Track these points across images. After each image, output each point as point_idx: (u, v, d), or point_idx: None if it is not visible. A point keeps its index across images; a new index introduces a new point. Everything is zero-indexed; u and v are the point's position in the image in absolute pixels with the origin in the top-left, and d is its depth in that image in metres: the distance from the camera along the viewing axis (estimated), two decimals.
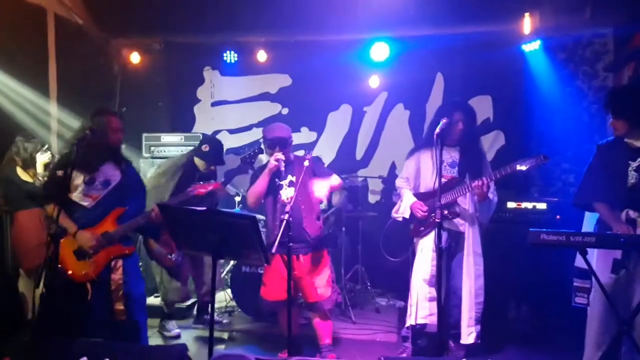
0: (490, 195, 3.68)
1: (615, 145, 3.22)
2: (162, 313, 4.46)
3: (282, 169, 3.45)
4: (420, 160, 3.91)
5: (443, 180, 3.67)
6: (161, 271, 4.35)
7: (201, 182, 3.56)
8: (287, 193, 3.57)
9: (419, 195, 3.86)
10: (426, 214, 3.73)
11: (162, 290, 4.41)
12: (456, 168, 3.74)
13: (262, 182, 3.55)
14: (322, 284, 3.63)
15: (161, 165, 4.52)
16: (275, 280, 3.53)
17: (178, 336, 4.35)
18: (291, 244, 3.09)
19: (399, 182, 4.02)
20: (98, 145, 3.16)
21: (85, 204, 3.18)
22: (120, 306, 3.14)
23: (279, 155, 3.44)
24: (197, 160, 4.38)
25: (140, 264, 5.12)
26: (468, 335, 3.66)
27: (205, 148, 4.35)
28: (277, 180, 3.57)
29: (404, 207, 3.87)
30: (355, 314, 4.81)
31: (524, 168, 3.33)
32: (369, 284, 5.36)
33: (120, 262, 3.19)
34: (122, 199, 3.25)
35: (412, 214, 3.82)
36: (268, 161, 3.60)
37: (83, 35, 5.48)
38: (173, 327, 4.42)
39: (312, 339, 3.87)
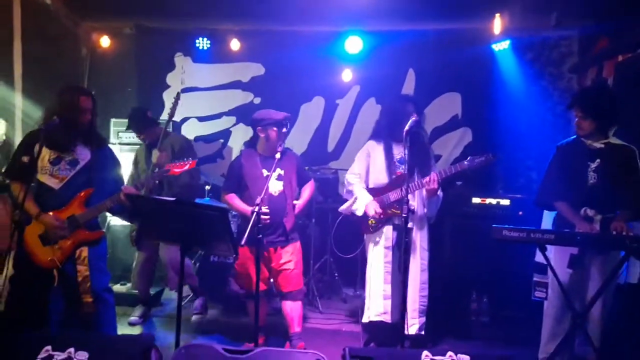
0: (438, 191, 3.68)
1: (574, 146, 3.34)
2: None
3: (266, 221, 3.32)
4: (371, 155, 3.89)
5: (393, 176, 3.74)
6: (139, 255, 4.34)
7: (176, 162, 3.39)
8: (275, 186, 3.58)
9: (369, 190, 3.82)
10: (381, 216, 3.70)
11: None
12: (405, 164, 3.72)
13: (240, 210, 3.61)
14: (297, 273, 3.68)
15: None
16: (249, 270, 3.55)
17: (135, 324, 4.32)
18: (267, 236, 3.11)
19: (351, 178, 3.91)
20: (66, 126, 3.02)
21: (52, 185, 3.05)
22: (88, 298, 3.05)
23: (265, 214, 3.28)
24: None
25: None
26: (411, 326, 3.68)
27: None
28: (265, 170, 3.56)
29: (359, 205, 3.77)
30: (322, 304, 4.88)
31: (472, 166, 3.41)
32: (336, 274, 5.42)
33: (85, 253, 3.08)
34: (91, 180, 3.11)
35: (365, 213, 3.74)
36: (241, 156, 3.65)
37: (51, 16, 5.31)
38: (139, 313, 4.40)
39: (280, 327, 3.92)
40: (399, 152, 3.77)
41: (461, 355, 2.27)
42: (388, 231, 3.75)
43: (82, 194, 3.08)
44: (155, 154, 4.11)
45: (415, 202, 3.72)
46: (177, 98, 4.30)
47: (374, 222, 3.78)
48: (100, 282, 3.16)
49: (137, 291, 4.52)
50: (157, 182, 3.61)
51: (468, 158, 3.45)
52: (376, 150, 3.86)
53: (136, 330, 4.25)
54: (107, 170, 3.24)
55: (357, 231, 4.03)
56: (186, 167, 3.36)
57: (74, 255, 3.07)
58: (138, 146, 4.88)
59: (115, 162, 3.36)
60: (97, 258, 3.16)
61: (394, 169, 3.75)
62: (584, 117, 3.21)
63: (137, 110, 4.44)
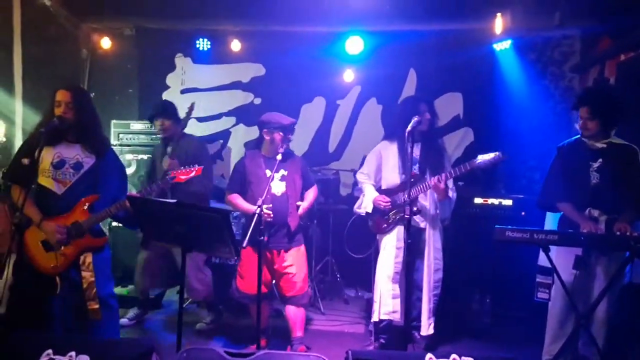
0: (450, 193, 3.68)
1: (576, 147, 3.33)
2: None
3: (268, 220, 3.37)
4: (382, 155, 3.90)
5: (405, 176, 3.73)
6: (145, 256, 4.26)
7: (182, 168, 3.30)
8: (278, 187, 3.57)
9: (381, 192, 3.85)
10: (389, 204, 3.72)
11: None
12: (417, 165, 3.74)
13: (243, 209, 3.61)
14: (300, 278, 3.65)
15: None
16: (252, 272, 3.52)
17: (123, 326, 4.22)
18: (271, 237, 3.09)
19: (360, 177, 4.00)
20: (64, 125, 2.96)
21: (55, 189, 2.97)
22: (94, 305, 2.96)
23: (268, 212, 3.34)
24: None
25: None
26: (428, 327, 3.72)
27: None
28: (268, 171, 3.55)
29: (367, 201, 3.85)
30: (324, 305, 4.86)
31: (482, 165, 3.36)
32: (338, 275, 5.41)
33: (89, 259, 3.00)
34: (95, 185, 3.03)
35: (374, 209, 3.81)
36: (245, 157, 3.67)
37: (50, 17, 5.30)
38: (132, 315, 4.36)
39: (282, 330, 3.90)
40: (414, 152, 3.76)
41: (465, 358, 2.24)
42: (400, 231, 3.73)
43: (86, 199, 3.00)
44: (166, 160, 4.04)
45: (427, 201, 3.74)
46: (191, 108, 4.24)
47: (387, 221, 3.78)
48: (105, 288, 3.10)
49: (138, 292, 4.44)
50: (162, 189, 3.47)
51: (477, 156, 3.39)
52: (389, 150, 3.86)
53: (132, 333, 4.22)
54: (112, 175, 3.15)
55: (368, 232, 4.04)
56: (192, 174, 3.26)
57: (77, 261, 3.01)
58: (139, 147, 4.87)
59: (120, 167, 3.28)
60: (102, 263, 3.09)
61: (408, 169, 3.75)
62: (591, 117, 3.19)
63: (168, 102, 4.48)
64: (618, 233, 2.94)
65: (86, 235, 3.01)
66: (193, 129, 6.11)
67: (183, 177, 3.25)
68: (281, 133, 3.59)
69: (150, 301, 4.58)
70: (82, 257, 3.00)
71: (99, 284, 3.02)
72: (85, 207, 3.00)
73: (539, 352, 3.41)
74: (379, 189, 3.90)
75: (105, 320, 3.05)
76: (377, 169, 3.92)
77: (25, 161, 2.89)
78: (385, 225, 3.81)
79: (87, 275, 2.98)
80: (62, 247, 2.95)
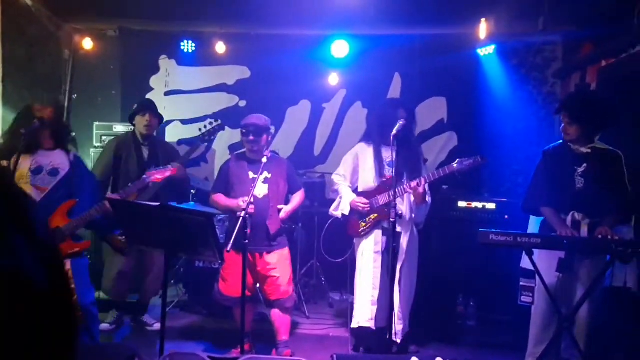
0: (427, 197, 3.64)
1: (561, 151, 3.36)
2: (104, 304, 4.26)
3: (249, 212, 3.24)
4: (359, 157, 3.86)
5: (382, 179, 3.72)
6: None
7: (157, 168, 3.35)
8: (260, 189, 3.55)
9: (357, 194, 3.80)
10: (368, 207, 3.66)
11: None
12: (393, 167, 3.70)
13: (227, 205, 3.59)
14: (285, 281, 3.63)
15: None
16: (235, 275, 3.49)
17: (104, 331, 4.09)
18: (251, 239, 3.09)
19: (336, 178, 3.93)
20: (45, 127, 2.96)
21: (34, 196, 2.94)
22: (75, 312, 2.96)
23: (242, 203, 3.26)
24: (136, 128, 4.20)
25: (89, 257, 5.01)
26: (399, 332, 3.66)
27: (134, 107, 4.29)
28: (252, 173, 3.53)
29: (344, 204, 3.78)
30: (309, 309, 4.84)
31: (460, 169, 3.35)
32: (323, 279, 5.40)
33: (68, 265, 2.94)
34: (72, 191, 3.03)
35: (352, 211, 3.74)
36: (230, 159, 3.65)
37: (32, 18, 5.20)
38: (113, 320, 4.27)
39: (266, 334, 3.88)
40: (388, 155, 3.72)
41: None
42: (377, 235, 3.71)
43: (65, 205, 2.99)
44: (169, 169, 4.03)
45: (404, 206, 3.70)
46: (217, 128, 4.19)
47: (364, 225, 3.74)
48: (86, 295, 3.08)
49: (110, 297, 4.31)
50: (137, 190, 3.48)
51: (457, 161, 3.39)
52: (366, 153, 3.84)
53: (115, 338, 4.16)
54: (87, 180, 3.18)
55: (346, 235, 3.99)
56: (167, 174, 3.34)
57: None
58: None
59: (91, 172, 3.35)
60: (80, 270, 3.05)
61: (383, 172, 3.73)
62: (570, 122, 3.24)
63: (152, 100, 4.50)
64: (600, 237, 2.98)
65: (68, 240, 2.98)
66: (177, 131, 6.08)
67: (159, 176, 3.31)
68: (254, 135, 3.55)
69: (134, 305, 4.52)
70: None
71: (80, 292, 2.99)
72: (65, 213, 2.99)
73: (522, 355, 3.43)
74: (355, 191, 3.85)
75: (87, 327, 3.02)
76: (354, 171, 3.88)
77: (4, 163, 2.86)
78: (363, 228, 3.75)
79: None
80: None
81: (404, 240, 3.71)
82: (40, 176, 2.98)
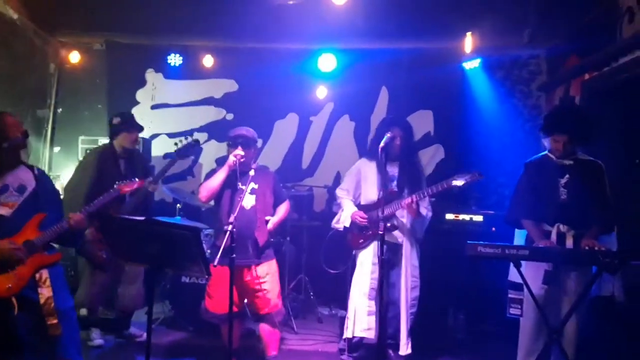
0: (424, 211, 3.77)
1: (543, 163, 3.39)
2: (85, 321, 4.15)
3: (241, 161, 3.41)
4: (362, 172, 3.99)
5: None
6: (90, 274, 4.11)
7: (124, 181, 3.39)
8: (248, 200, 3.53)
9: (360, 207, 3.91)
10: (366, 221, 3.78)
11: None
12: (395, 182, 3.82)
13: (219, 176, 3.53)
14: (274, 295, 3.59)
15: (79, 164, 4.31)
16: (221, 292, 3.44)
17: (100, 346, 4.12)
18: (239, 253, 3.06)
19: (339, 192, 4.09)
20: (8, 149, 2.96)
21: (2, 212, 2.92)
22: (53, 320, 2.88)
23: (238, 151, 3.43)
24: (117, 142, 4.14)
25: (71, 272, 4.92)
26: (407, 347, 3.72)
27: (115, 121, 4.15)
28: (239, 184, 3.51)
29: (345, 216, 3.92)
30: (297, 324, 4.79)
31: (459, 184, 3.38)
32: (311, 293, 5.35)
33: (46, 274, 2.94)
34: (40, 205, 3.01)
35: (352, 224, 3.87)
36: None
37: (18, 31, 5.17)
38: (97, 335, 4.18)
39: (254, 350, 3.82)
40: (389, 170, 3.84)
41: None
42: (376, 247, 3.74)
43: (35, 218, 2.97)
44: (151, 185, 4.05)
45: (405, 218, 3.79)
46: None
47: (363, 237, 3.85)
48: (64, 300, 3.04)
49: (85, 308, 4.20)
50: (110, 202, 3.45)
51: (454, 176, 3.41)
52: (368, 168, 3.95)
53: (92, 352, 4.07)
54: (53, 194, 3.18)
55: (344, 247, 4.07)
56: (135, 186, 3.41)
57: (33, 279, 2.94)
58: None
59: (56, 189, 3.31)
60: (58, 278, 3.03)
61: (387, 187, 3.78)
62: (569, 141, 3.24)
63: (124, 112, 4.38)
64: (587, 248, 2.99)
65: (40, 253, 2.95)
66: (163, 144, 6.04)
67: (127, 188, 3.37)
68: (243, 146, 3.54)
69: (115, 321, 4.43)
70: (37, 275, 2.94)
71: (60, 298, 2.96)
72: (36, 226, 2.97)
73: None
74: (358, 205, 3.97)
75: (65, 333, 2.97)
76: (357, 185, 4.01)
77: None
78: (362, 240, 3.86)
79: (45, 292, 2.92)
80: (17, 267, 2.86)
81: (406, 252, 3.78)
82: (6, 193, 2.96)
